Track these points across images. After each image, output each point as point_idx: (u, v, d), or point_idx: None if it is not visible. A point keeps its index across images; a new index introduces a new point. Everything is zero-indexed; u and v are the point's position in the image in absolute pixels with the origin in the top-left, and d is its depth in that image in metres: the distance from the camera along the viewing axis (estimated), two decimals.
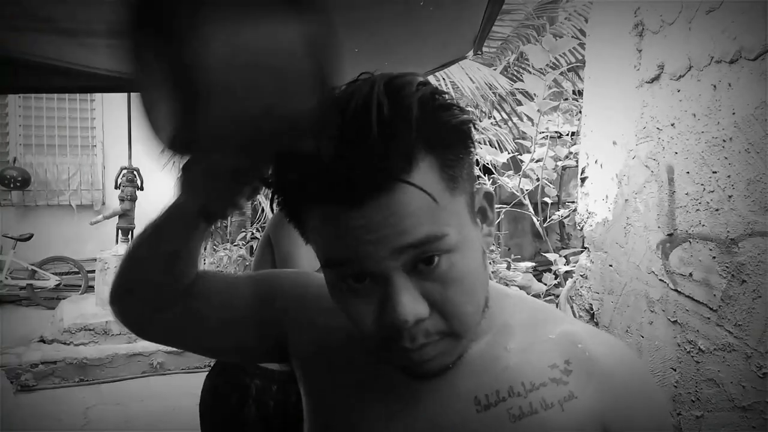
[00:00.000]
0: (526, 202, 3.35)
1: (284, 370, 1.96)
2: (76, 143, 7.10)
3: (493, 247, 4.17)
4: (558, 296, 2.77)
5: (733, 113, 1.31)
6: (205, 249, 6.60)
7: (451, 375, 0.64)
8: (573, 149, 3.45)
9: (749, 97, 1.26)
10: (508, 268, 3.89)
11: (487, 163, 3.80)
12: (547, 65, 3.38)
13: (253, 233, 6.01)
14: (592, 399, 0.62)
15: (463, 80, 5.16)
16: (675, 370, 1.51)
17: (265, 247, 1.91)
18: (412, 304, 0.55)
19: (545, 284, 3.34)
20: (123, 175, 6.08)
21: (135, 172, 6.12)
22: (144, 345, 5.33)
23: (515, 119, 5.49)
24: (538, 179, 3.25)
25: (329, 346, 0.73)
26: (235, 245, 5.82)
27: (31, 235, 6.43)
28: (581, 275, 2.01)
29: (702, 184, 1.41)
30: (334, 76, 0.53)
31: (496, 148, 4.92)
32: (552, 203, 3.59)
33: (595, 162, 1.95)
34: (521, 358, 0.64)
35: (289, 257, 1.82)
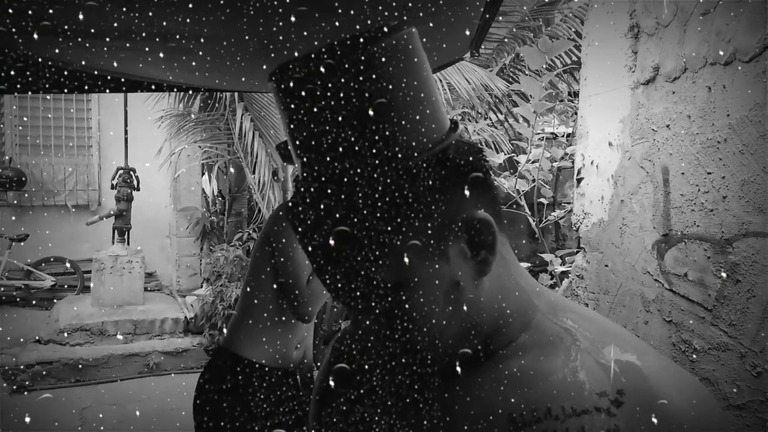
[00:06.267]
0: (522, 203, 3.36)
1: (276, 366, 1.96)
2: (72, 143, 7.09)
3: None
4: None
5: (728, 115, 1.32)
6: (201, 250, 6.60)
7: (488, 388, 0.62)
8: (569, 150, 3.46)
9: (743, 99, 1.27)
10: None
11: None
12: (543, 67, 3.40)
13: (249, 233, 6.01)
14: None
15: (460, 82, 5.17)
16: None
17: (264, 247, 1.92)
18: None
19: (541, 284, 3.32)
20: (119, 176, 6.07)
21: (131, 173, 6.12)
22: (140, 345, 5.33)
23: (511, 120, 5.51)
24: (534, 180, 3.25)
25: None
26: (231, 246, 5.81)
27: (27, 236, 6.42)
28: (577, 275, 2.02)
29: (697, 185, 1.42)
30: None
31: (492, 149, 4.94)
32: (548, 204, 3.58)
33: (591, 163, 1.95)
34: (566, 381, 0.59)
35: (290, 256, 1.84)
